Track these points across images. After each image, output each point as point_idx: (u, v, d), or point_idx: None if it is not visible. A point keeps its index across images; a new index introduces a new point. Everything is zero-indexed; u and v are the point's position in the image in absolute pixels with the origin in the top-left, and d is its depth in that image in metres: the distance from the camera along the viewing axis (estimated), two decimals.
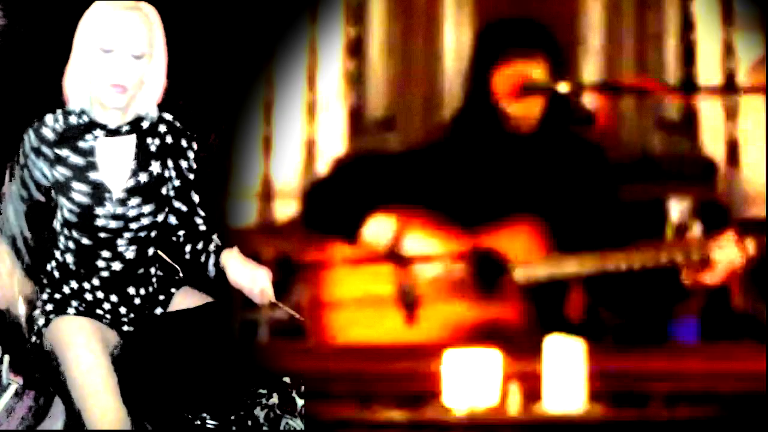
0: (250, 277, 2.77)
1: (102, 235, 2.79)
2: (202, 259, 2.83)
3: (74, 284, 2.82)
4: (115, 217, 2.78)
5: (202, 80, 3.70)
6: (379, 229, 3.56)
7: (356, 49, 4.20)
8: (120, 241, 2.80)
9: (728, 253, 3.37)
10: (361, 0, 4.21)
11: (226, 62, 3.86)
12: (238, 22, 3.89)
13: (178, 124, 2.88)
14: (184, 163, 2.87)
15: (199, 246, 2.85)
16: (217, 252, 2.82)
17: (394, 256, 3.55)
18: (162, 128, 2.86)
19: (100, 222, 2.78)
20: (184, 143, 2.87)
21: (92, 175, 2.77)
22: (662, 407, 3.22)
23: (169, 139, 2.86)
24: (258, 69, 4.04)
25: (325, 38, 4.17)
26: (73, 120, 2.78)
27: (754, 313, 3.56)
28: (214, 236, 2.87)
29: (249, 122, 4.04)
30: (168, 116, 2.87)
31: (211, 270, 2.82)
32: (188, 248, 2.87)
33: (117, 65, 2.71)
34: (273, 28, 4.01)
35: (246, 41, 3.90)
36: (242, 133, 4.03)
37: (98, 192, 2.77)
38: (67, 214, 2.78)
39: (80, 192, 2.76)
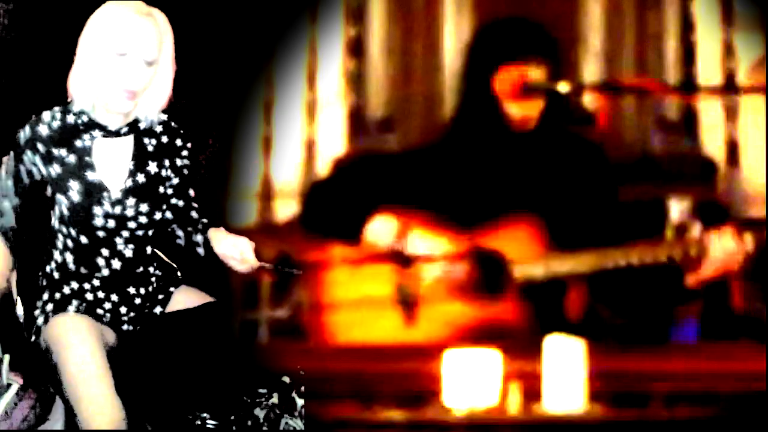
0: (231, 243, 2.83)
1: (100, 234, 2.79)
2: (193, 238, 2.89)
3: (75, 285, 2.83)
4: (112, 216, 2.79)
5: (202, 80, 3.70)
6: (381, 229, 3.56)
7: (356, 49, 4.20)
8: (118, 240, 2.81)
9: (726, 247, 3.37)
10: (361, 0, 4.21)
11: (226, 62, 3.86)
12: (238, 22, 3.90)
13: (173, 124, 2.89)
14: (179, 162, 2.89)
15: (190, 229, 2.90)
16: (205, 229, 2.89)
17: (396, 256, 3.55)
18: (158, 128, 2.87)
19: (97, 221, 2.78)
20: (179, 142, 2.90)
21: (89, 175, 2.78)
22: (662, 407, 3.22)
23: (164, 139, 2.88)
24: (258, 69, 4.03)
25: (325, 38, 4.17)
26: (71, 119, 2.78)
27: (753, 313, 3.55)
28: (204, 219, 2.92)
29: (249, 122, 4.04)
30: (163, 116, 2.88)
31: (200, 249, 2.88)
32: (181, 233, 2.91)
33: (130, 70, 2.71)
34: (273, 28, 4.01)
35: (246, 41, 3.90)
36: (242, 133, 4.03)
37: (95, 191, 2.78)
38: (64, 211, 2.79)
39: (75, 191, 2.77)
